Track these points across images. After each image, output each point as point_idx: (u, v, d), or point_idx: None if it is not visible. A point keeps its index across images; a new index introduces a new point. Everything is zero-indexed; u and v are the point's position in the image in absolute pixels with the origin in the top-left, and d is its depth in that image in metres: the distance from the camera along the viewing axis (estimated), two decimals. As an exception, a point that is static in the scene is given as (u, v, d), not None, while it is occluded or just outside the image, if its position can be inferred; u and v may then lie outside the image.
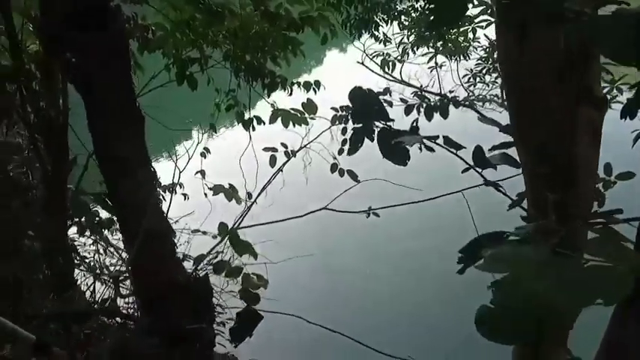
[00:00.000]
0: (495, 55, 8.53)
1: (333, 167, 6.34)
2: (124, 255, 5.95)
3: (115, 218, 5.55)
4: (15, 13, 4.82)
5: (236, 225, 5.62)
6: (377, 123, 2.59)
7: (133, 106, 4.05)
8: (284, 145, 6.36)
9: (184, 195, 6.69)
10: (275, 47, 5.97)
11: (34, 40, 5.43)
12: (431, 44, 9.24)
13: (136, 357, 3.91)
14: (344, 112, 5.89)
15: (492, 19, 7.82)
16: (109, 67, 3.79)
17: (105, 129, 3.98)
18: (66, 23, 3.66)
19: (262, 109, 6.68)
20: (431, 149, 2.43)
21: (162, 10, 5.66)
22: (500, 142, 2.52)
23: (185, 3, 5.39)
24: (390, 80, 9.66)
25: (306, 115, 6.15)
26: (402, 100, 6.94)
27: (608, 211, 1.95)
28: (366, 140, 2.66)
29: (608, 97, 6.10)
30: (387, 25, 9.57)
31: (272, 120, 6.28)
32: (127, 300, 5.58)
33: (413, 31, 9.32)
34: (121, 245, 6.04)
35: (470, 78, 9.04)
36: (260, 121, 6.59)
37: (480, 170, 2.30)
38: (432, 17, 8.03)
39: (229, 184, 6.08)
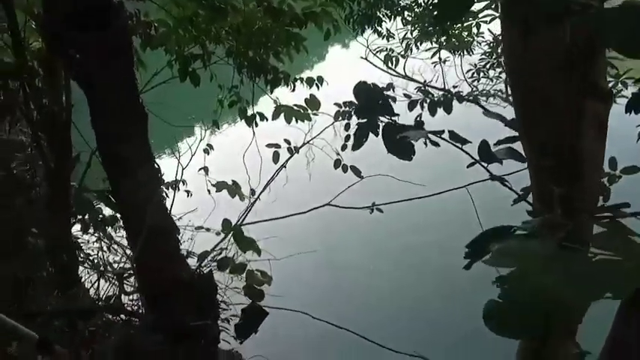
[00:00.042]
0: (499, 50, 8.51)
1: (337, 163, 6.33)
2: (128, 252, 5.96)
3: (118, 215, 5.56)
4: (18, 11, 4.81)
5: (240, 222, 5.62)
6: (381, 118, 2.59)
7: (136, 103, 4.04)
8: (287, 142, 6.34)
9: (187, 192, 6.69)
10: (278, 43, 5.95)
11: (36, 37, 5.43)
12: (434, 39, 9.20)
13: (141, 354, 3.91)
14: (347, 108, 5.87)
15: (496, 14, 7.79)
16: (112, 64, 3.77)
17: (108, 126, 3.97)
18: (68, 20, 3.64)
19: (265, 105, 6.67)
20: (436, 144, 2.42)
21: (164, 7, 5.64)
22: (505, 136, 2.51)
23: (188, -1, 5.38)
24: (394, 75, 9.63)
25: (309, 111, 6.13)
26: (405, 95, 6.92)
27: (615, 205, 1.94)
28: (371, 135, 2.66)
29: (613, 91, 6.08)
30: (390, 20, 9.54)
31: (275, 116, 6.27)
32: (131, 297, 5.60)
33: (416, 26, 9.28)
34: (125, 242, 6.06)
35: (474, 73, 9.01)
36: (263, 117, 6.58)
37: (485, 165, 2.29)
38: (435, 12, 8.04)
39: (232, 181, 6.07)
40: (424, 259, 9.74)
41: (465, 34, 8.91)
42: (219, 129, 7.06)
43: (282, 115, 6.18)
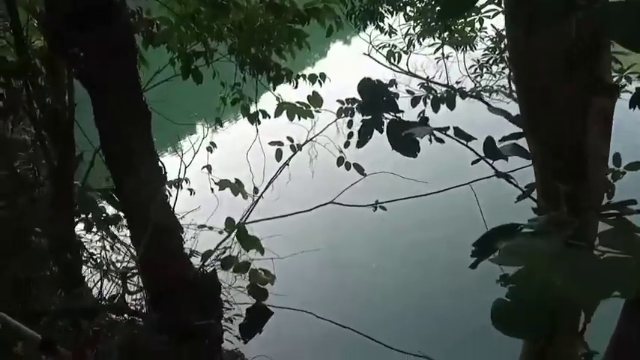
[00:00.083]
0: (502, 45, 8.47)
1: (340, 161, 6.31)
2: (132, 251, 5.96)
3: (121, 214, 5.55)
4: (20, 9, 4.80)
5: (243, 220, 5.60)
6: (385, 114, 2.57)
7: (139, 101, 4.03)
8: (290, 139, 6.33)
9: (190, 190, 6.68)
10: (280, 40, 5.93)
11: (38, 36, 5.42)
12: (437, 35, 9.16)
13: (145, 353, 3.91)
14: (350, 105, 5.85)
15: (499, 9, 7.75)
16: (115, 62, 3.77)
17: (112, 125, 3.97)
18: (70, 19, 3.63)
19: (267, 102, 6.65)
20: (441, 140, 2.41)
21: (166, 4, 5.63)
22: (510, 133, 2.49)
23: (190, -4, 5.36)
24: (396, 72, 9.60)
25: (312, 108, 6.11)
26: (408, 91, 6.90)
27: (621, 202, 1.92)
28: (374, 132, 2.64)
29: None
30: (392, 16, 9.50)
31: (277, 113, 6.24)
32: (134, 297, 5.59)
33: (419, 22, 9.25)
34: (128, 241, 6.06)
35: (476, 69, 8.98)
36: (265, 114, 6.56)
37: (490, 161, 2.28)
38: (438, 7, 8.00)
39: (235, 179, 6.06)
40: (430, 256, 9.73)
41: (467, 29, 8.86)
42: (222, 127, 7.04)
43: (285, 112, 6.16)
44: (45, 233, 5.35)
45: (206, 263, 4.99)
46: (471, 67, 9.10)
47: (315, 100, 6.09)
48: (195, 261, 5.14)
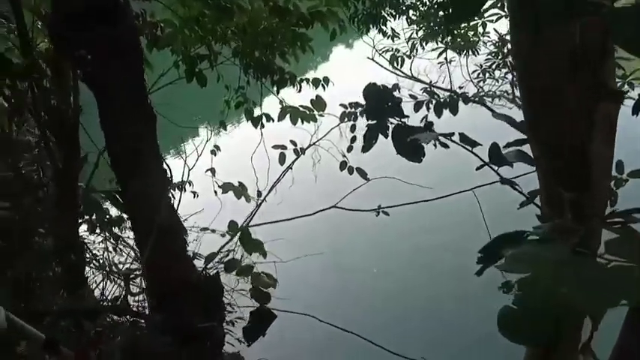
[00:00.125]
0: (505, 50, 8.48)
1: (343, 165, 6.32)
2: (134, 253, 5.97)
3: (125, 216, 5.57)
4: (25, 10, 4.82)
5: (246, 223, 5.61)
6: (390, 119, 2.58)
7: (144, 103, 4.05)
8: (293, 143, 6.34)
9: (194, 193, 6.69)
10: (284, 43, 5.95)
11: (43, 37, 5.44)
12: (440, 39, 9.18)
13: (148, 355, 3.92)
14: (353, 109, 5.86)
15: (502, 13, 7.77)
16: (120, 64, 3.78)
17: (117, 126, 3.99)
18: (76, 20, 3.65)
19: (271, 105, 6.67)
20: (445, 145, 2.42)
21: (170, 7, 5.64)
22: (513, 138, 2.50)
23: (194, -1, 5.38)
24: (400, 76, 9.62)
25: (315, 112, 6.13)
26: (411, 96, 6.90)
27: (626, 211, 1.92)
28: (378, 137, 2.65)
29: (619, 92, 6.04)
30: (395, 19, 9.52)
31: (280, 117, 6.26)
32: (136, 298, 5.60)
33: (422, 26, 9.26)
34: (131, 243, 6.07)
35: (479, 74, 8.99)
36: (269, 118, 6.58)
37: (495, 168, 2.28)
38: (447, 11, 8.00)
39: (239, 182, 6.07)
40: (434, 261, 9.73)
41: (470, 33, 8.88)
42: (225, 130, 7.06)
43: (288, 116, 6.17)
44: (49, 234, 5.36)
45: (208, 266, 5.00)
46: (473, 71, 9.11)
47: (319, 103, 6.11)
48: (198, 264, 5.16)
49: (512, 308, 1.34)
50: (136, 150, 4.08)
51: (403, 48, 9.65)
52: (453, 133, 2.34)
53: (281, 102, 6.36)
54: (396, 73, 9.70)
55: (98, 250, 6.26)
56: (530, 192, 2.82)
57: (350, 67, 13.84)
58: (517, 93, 8.36)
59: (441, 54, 9.32)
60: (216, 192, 6.23)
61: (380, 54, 10.03)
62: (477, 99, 8.33)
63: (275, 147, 6.21)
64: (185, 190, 6.30)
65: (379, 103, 2.63)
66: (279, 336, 5.89)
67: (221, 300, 4.76)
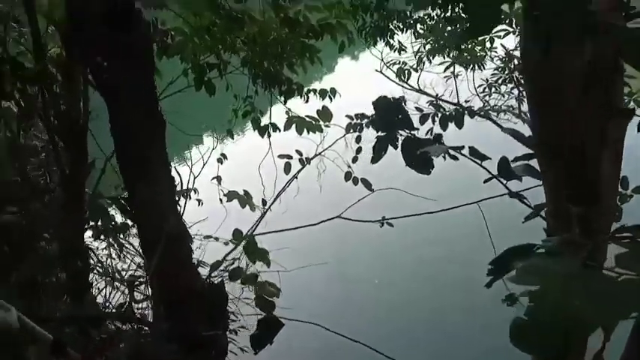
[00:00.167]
0: (512, 65, 8.53)
1: (348, 175, 6.34)
2: (139, 260, 5.98)
3: (129, 222, 5.58)
4: (39, 16, 4.87)
5: (250, 232, 5.63)
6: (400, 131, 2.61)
7: (155, 110, 4.08)
8: (299, 153, 6.36)
9: (198, 201, 6.70)
10: (293, 54, 5.98)
11: (55, 43, 5.49)
12: (447, 53, 9.23)
13: (153, 362, 3.92)
14: (359, 120, 5.89)
15: (510, 29, 7.82)
16: (133, 71, 3.82)
17: (127, 133, 4.01)
18: (91, 27, 3.69)
19: (277, 115, 6.70)
20: (455, 157, 2.44)
21: (182, 15, 5.69)
22: (515, 153, 2.52)
23: (206, 9, 5.41)
24: (406, 89, 9.66)
25: (321, 122, 6.16)
26: (417, 108, 6.94)
27: (636, 226, 1.94)
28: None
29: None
30: (402, 33, 9.57)
31: (286, 127, 6.29)
32: (140, 305, 5.60)
33: (429, 39, 9.32)
34: (135, 250, 6.07)
35: (485, 88, 9.03)
36: (276, 127, 6.61)
37: (504, 181, 2.31)
38: (455, 26, 8.04)
39: (244, 191, 6.09)
40: (438, 273, 9.73)
41: (478, 48, 8.93)
42: (233, 139, 7.08)
43: (294, 125, 6.21)
44: (54, 239, 5.37)
45: (213, 274, 5.01)
46: (479, 86, 9.15)
47: (325, 114, 6.14)
48: (202, 271, 5.16)
49: (523, 319, 1.35)
50: (144, 156, 4.11)
51: (410, 61, 9.70)
52: (462, 147, 2.37)
53: (287, 112, 6.39)
54: (402, 86, 9.75)
55: (102, 257, 6.27)
56: (536, 205, 2.84)
57: (355, 79, 13.90)
58: (523, 108, 8.41)
59: (447, 68, 9.36)
60: (221, 200, 6.25)
61: (388, 66, 10.07)
62: (482, 113, 8.36)
63: (281, 156, 6.24)
64: (190, 198, 6.32)
65: (389, 115, 2.66)
66: (285, 345, 5.89)
67: (225, 308, 4.77)
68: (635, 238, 1.89)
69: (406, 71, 9.64)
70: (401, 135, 2.62)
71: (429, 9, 9.16)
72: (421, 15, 9.53)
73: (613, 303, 1.33)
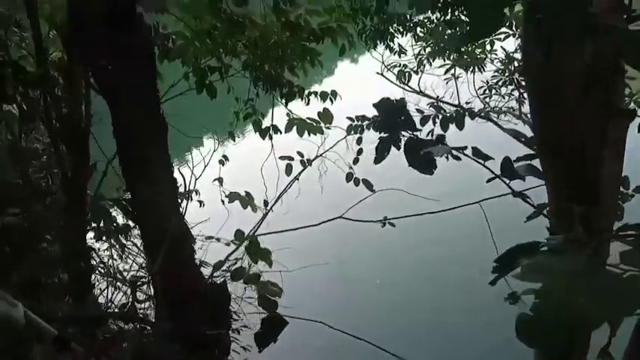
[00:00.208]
0: (512, 67, 8.55)
1: (349, 176, 6.36)
2: (141, 260, 6.00)
3: (131, 224, 5.60)
4: (41, 20, 4.89)
5: (252, 233, 5.65)
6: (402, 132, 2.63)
7: (157, 112, 4.10)
8: (300, 154, 6.39)
9: (200, 202, 6.72)
10: (293, 57, 6.01)
11: (56, 46, 5.51)
12: (447, 55, 9.25)
13: (156, 362, 3.93)
14: (360, 122, 5.91)
15: (510, 32, 7.85)
16: (135, 72, 3.84)
17: (127, 133, 4.03)
18: (91, 27, 3.71)
19: (278, 117, 6.73)
20: (457, 158, 2.46)
21: (183, 19, 5.71)
22: (516, 154, 2.54)
23: (207, 12, 5.44)
24: (407, 91, 9.69)
25: (322, 124, 6.18)
26: (417, 110, 6.96)
27: (638, 224, 1.96)
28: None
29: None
30: (402, 36, 9.60)
31: (288, 129, 6.32)
32: (142, 305, 5.62)
33: (429, 42, 9.35)
34: (137, 251, 6.10)
35: (485, 90, 9.05)
36: (277, 129, 6.63)
37: (507, 181, 2.33)
38: (455, 29, 8.06)
39: (246, 192, 6.11)
40: (440, 273, 9.75)
41: (478, 51, 8.95)
42: (234, 141, 7.11)
43: (295, 127, 6.23)
44: (56, 240, 5.39)
45: (215, 274, 5.03)
46: (479, 88, 9.18)
47: (326, 116, 6.17)
48: (204, 272, 5.18)
49: (529, 315, 1.37)
50: (147, 158, 4.13)
51: (410, 64, 9.73)
52: (465, 147, 2.39)
53: (288, 114, 6.42)
54: (403, 88, 9.77)
55: (104, 258, 6.29)
56: (538, 205, 2.85)
57: (355, 82, 13.93)
58: (523, 109, 8.43)
59: (447, 70, 9.38)
60: (223, 201, 6.26)
61: (388, 69, 10.10)
62: (483, 114, 8.38)
63: (282, 158, 6.26)
64: (191, 199, 6.33)
65: (392, 116, 2.68)
66: (287, 344, 5.91)
67: (228, 308, 4.79)
68: (638, 236, 1.91)
69: (406, 74, 9.67)
70: (403, 136, 2.63)
71: (429, 12, 9.21)
72: (421, 18, 9.56)
73: (618, 299, 1.34)
